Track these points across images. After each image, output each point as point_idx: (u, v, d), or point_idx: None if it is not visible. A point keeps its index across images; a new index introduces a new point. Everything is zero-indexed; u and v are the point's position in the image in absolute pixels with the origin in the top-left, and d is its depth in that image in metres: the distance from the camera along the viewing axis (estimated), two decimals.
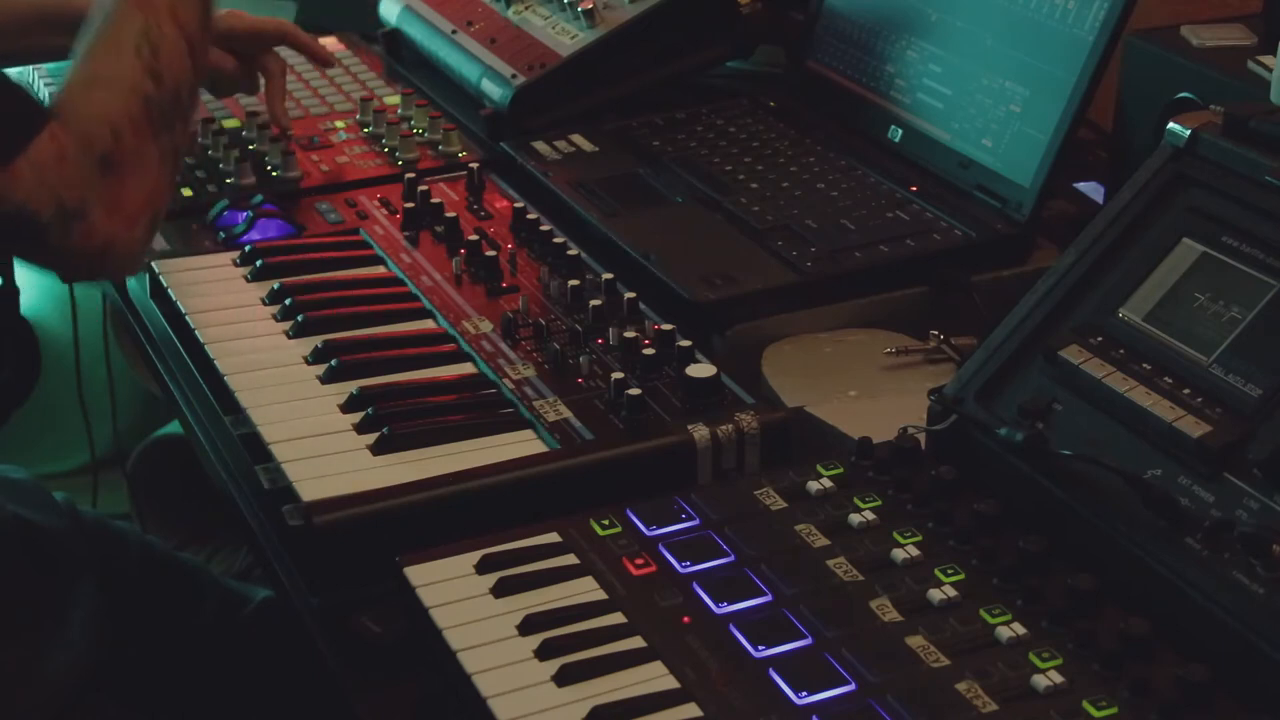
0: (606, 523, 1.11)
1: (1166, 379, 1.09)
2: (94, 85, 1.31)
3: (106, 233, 1.27)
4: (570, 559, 1.08)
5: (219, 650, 1.60)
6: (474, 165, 1.71)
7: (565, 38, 1.88)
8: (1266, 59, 1.55)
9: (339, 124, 1.88)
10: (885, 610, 1.02)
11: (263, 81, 1.79)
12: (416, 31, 2.03)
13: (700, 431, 1.24)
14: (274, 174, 1.73)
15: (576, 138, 1.79)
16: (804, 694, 0.95)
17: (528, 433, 1.27)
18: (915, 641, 1.00)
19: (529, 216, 1.59)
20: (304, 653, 1.18)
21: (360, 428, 1.28)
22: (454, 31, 1.98)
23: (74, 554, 1.52)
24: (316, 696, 1.23)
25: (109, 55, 1.30)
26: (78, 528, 1.56)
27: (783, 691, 0.96)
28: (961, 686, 0.96)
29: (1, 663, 1.42)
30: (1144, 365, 1.10)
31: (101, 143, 1.27)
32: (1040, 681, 0.96)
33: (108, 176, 1.27)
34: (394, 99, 1.93)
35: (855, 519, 1.10)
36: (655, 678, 0.98)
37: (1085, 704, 0.94)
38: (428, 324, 1.45)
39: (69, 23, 1.51)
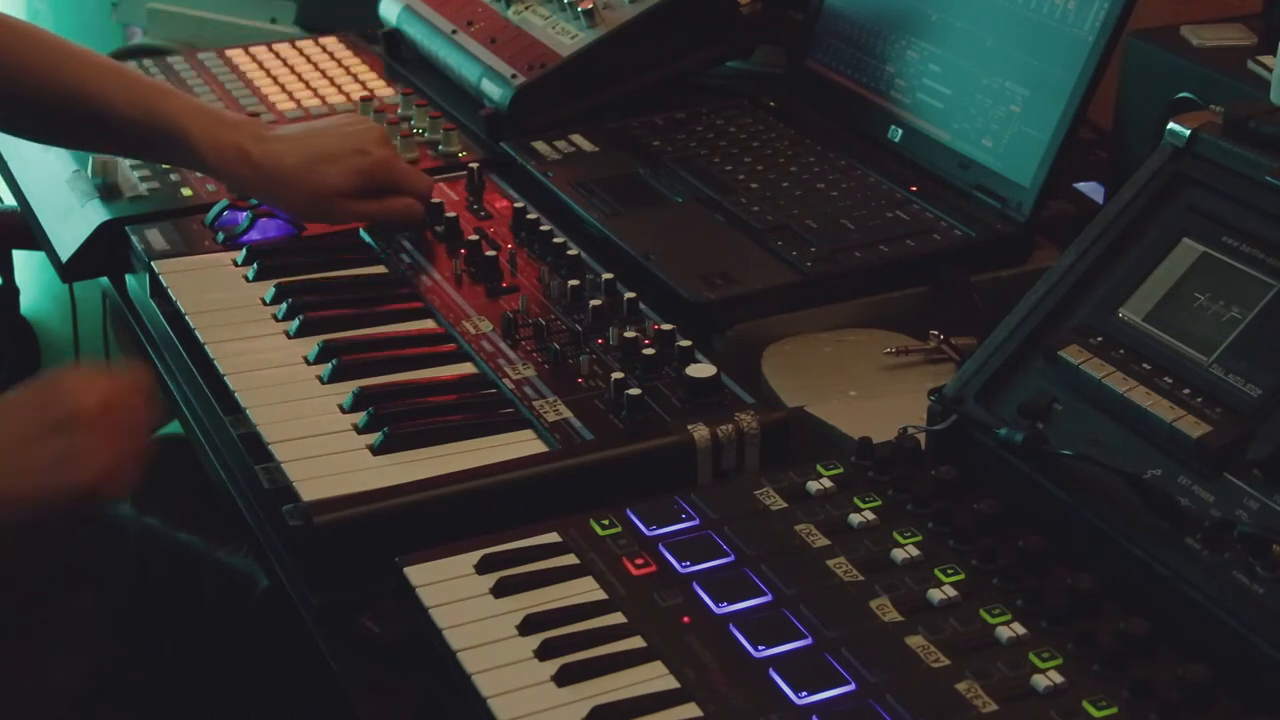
0: (606, 523, 1.11)
1: (1166, 379, 1.09)
2: None
3: None
4: (570, 559, 1.08)
5: (218, 652, 1.60)
6: (474, 165, 1.71)
7: (565, 38, 1.88)
8: (1266, 59, 1.54)
9: None
10: (885, 610, 1.02)
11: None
12: (416, 31, 2.03)
13: (700, 431, 1.24)
14: None
15: (576, 138, 1.79)
16: (804, 694, 0.95)
17: (528, 433, 1.27)
18: (915, 641, 1.00)
19: (529, 216, 1.59)
20: (304, 653, 1.18)
21: (360, 428, 1.28)
22: (454, 31, 1.98)
23: (71, 555, 1.52)
24: (317, 696, 1.23)
25: None
26: (74, 522, 1.55)
27: (783, 691, 0.96)
28: (961, 686, 0.96)
29: (1, 667, 1.42)
30: (1144, 365, 1.10)
31: None
32: (1040, 681, 0.96)
33: None
34: (394, 99, 1.93)
35: (855, 519, 1.10)
36: (655, 678, 0.98)
37: (1085, 704, 0.94)
38: (428, 324, 1.45)
39: (180, 158, 1.53)
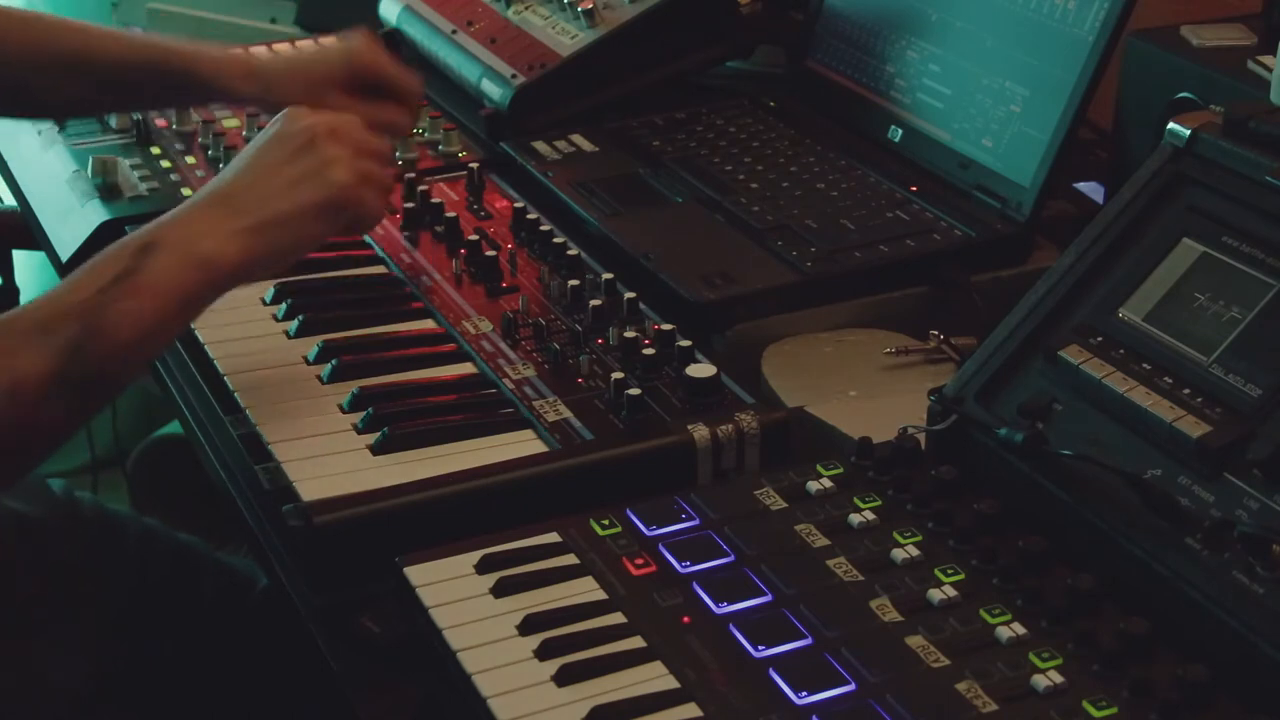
0: (606, 523, 1.11)
1: (1166, 379, 1.09)
2: None
3: None
4: (570, 559, 1.08)
5: (218, 652, 1.60)
6: (474, 165, 1.71)
7: (565, 38, 1.88)
8: (1266, 59, 1.55)
9: None
10: (885, 610, 1.02)
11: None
12: (416, 31, 2.03)
13: (700, 431, 1.24)
14: None
15: (576, 138, 1.79)
16: (804, 694, 0.95)
17: (528, 433, 1.27)
18: (915, 641, 1.00)
19: (529, 216, 1.59)
20: (304, 653, 1.18)
21: (360, 428, 1.28)
22: (454, 31, 1.98)
23: (71, 555, 1.52)
24: (317, 696, 1.23)
25: None
26: (74, 522, 1.56)
27: (783, 691, 0.96)
28: (961, 686, 0.96)
29: (1, 667, 1.42)
30: (1144, 365, 1.10)
31: None
32: (1040, 681, 0.96)
33: None
34: None
35: (855, 519, 1.10)
36: (655, 678, 0.98)
37: (1085, 704, 0.94)
38: (428, 324, 1.45)
39: (184, 85, 1.55)
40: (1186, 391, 1.07)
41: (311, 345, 1.39)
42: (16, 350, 1.08)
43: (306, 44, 1.70)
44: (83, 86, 1.58)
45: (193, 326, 1.43)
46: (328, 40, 1.64)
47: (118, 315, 1.10)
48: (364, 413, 1.29)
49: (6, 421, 1.08)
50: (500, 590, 1.05)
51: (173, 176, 1.73)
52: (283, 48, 1.68)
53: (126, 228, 1.61)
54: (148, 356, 1.17)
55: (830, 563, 1.07)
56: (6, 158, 1.86)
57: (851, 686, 0.96)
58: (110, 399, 1.16)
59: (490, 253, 1.52)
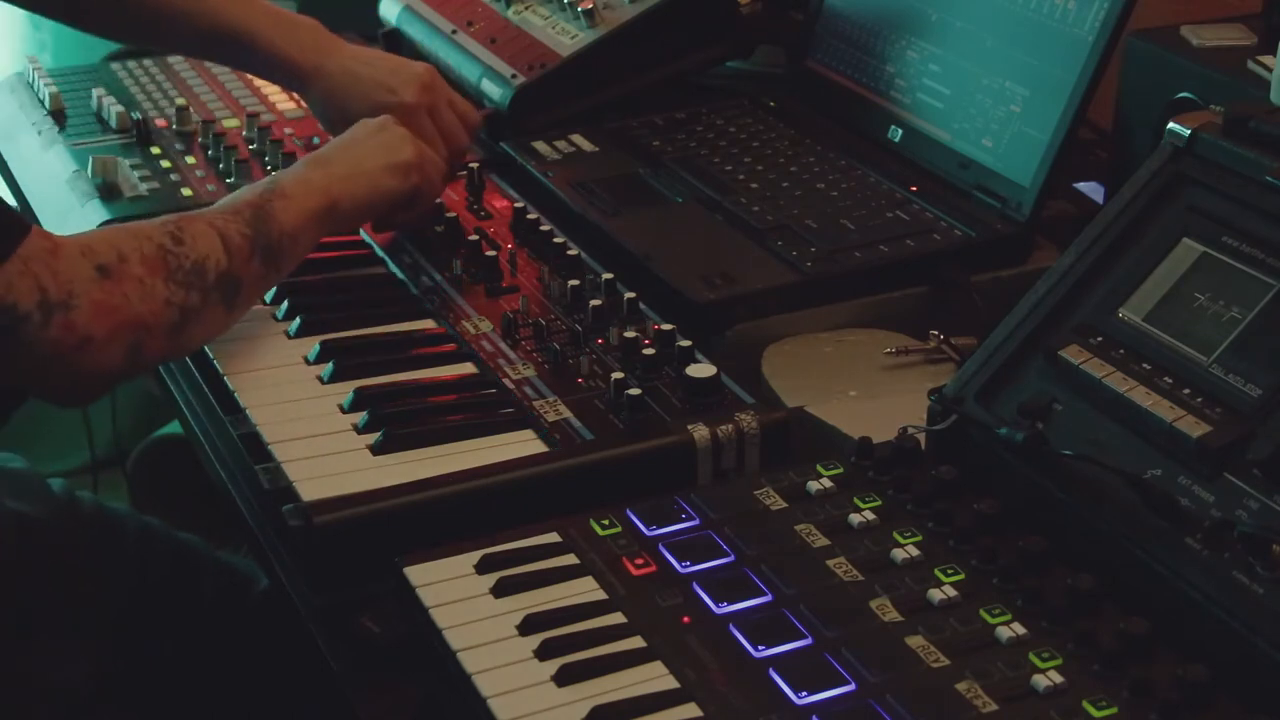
0: (606, 523, 1.11)
1: (1166, 379, 1.09)
2: (110, 227, 1.41)
3: (86, 331, 1.20)
4: (570, 559, 1.08)
5: (218, 652, 1.60)
6: (474, 165, 1.71)
7: (565, 38, 1.88)
8: (1266, 59, 1.55)
9: None
10: (885, 610, 1.02)
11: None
12: (416, 31, 2.03)
13: (700, 431, 1.24)
14: None
15: (576, 138, 1.79)
16: (804, 694, 0.95)
17: (528, 433, 1.27)
18: (915, 641, 1.00)
19: (529, 216, 1.59)
20: (304, 653, 1.18)
21: (360, 428, 1.28)
22: (454, 31, 1.98)
23: (71, 555, 1.52)
24: (317, 696, 1.23)
25: (136, 224, 1.32)
26: (75, 522, 1.56)
27: (783, 691, 0.96)
28: (961, 686, 0.96)
29: (1, 667, 1.42)
30: (1144, 365, 1.10)
31: (103, 256, 1.24)
32: (1040, 681, 0.96)
33: (103, 280, 1.22)
34: None
35: (855, 519, 1.10)
36: (655, 678, 0.98)
37: (1085, 704, 0.94)
38: (428, 324, 1.45)
39: (236, 50, 1.66)
40: (1186, 391, 1.07)
41: (311, 345, 1.39)
42: (218, 224, 1.33)
43: (377, 60, 1.70)
44: (145, 22, 1.68)
45: None
46: (393, 81, 1.64)
47: (276, 209, 1.38)
48: (364, 413, 1.29)
49: (226, 272, 1.31)
50: (500, 590, 1.05)
51: (173, 176, 1.73)
52: (359, 53, 1.71)
53: None
54: (304, 244, 1.42)
55: (830, 563, 1.07)
56: (6, 158, 1.86)
57: (851, 686, 0.96)
58: (289, 268, 1.41)
59: (490, 253, 1.52)
